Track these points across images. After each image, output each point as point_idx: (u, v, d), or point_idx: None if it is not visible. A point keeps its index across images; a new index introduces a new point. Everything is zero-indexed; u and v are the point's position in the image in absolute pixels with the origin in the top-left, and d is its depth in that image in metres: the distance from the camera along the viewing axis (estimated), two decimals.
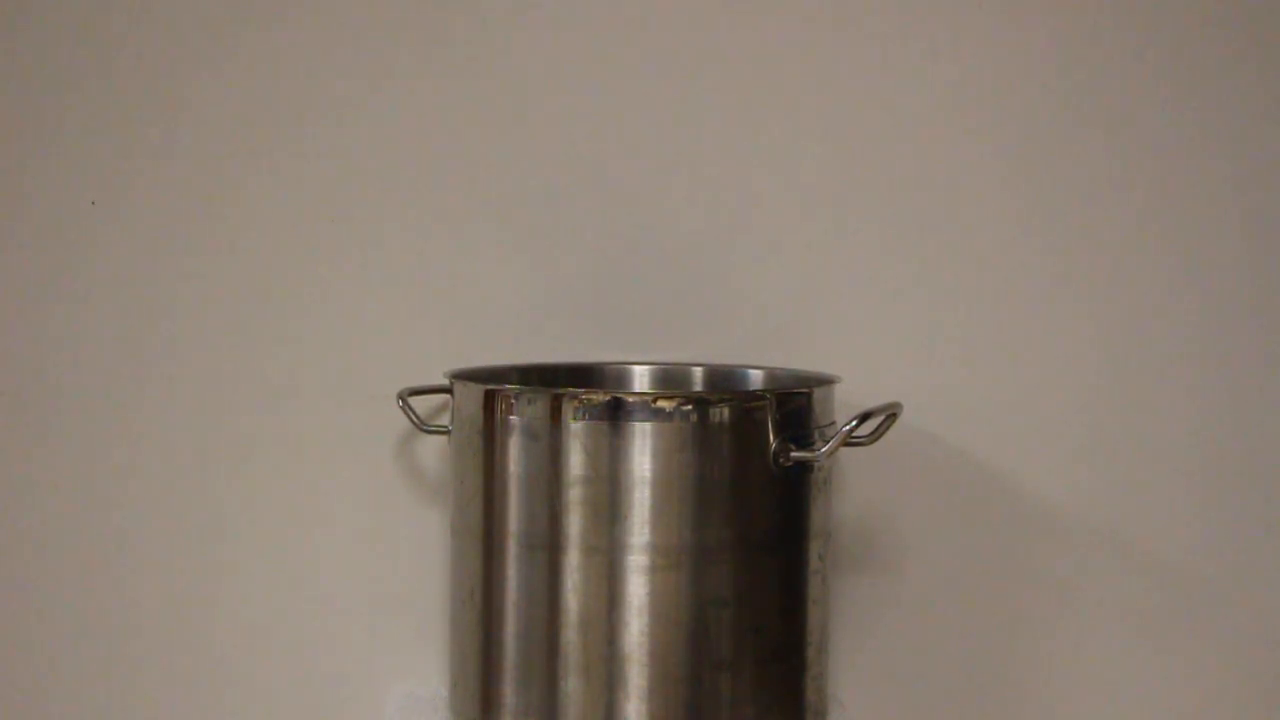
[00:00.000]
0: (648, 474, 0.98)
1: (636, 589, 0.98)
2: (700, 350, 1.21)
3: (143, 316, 1.21)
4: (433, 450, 1.22)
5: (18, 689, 1.22)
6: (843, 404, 1.07)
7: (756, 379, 1.18)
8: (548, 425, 1.00)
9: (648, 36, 1.22)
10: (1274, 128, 1.25)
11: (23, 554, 1.21)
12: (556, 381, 1.16)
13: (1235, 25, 1.24)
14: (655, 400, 0.99)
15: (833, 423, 1.06)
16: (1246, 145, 1.25)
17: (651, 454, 0.98)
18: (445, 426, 1.11)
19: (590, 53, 1.22)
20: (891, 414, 1.02)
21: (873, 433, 1.03)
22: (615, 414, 0.98)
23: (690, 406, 0.99)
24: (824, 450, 1.00)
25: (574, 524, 0.99)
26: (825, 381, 1.08)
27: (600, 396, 1.00)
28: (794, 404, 1.02)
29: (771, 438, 1.00)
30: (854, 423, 0.99)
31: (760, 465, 1.00)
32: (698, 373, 1.20)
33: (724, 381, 1.19)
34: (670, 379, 1.20)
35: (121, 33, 1.19)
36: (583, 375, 1.18)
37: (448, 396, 1.10)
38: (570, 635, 0.99)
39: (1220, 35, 1.24)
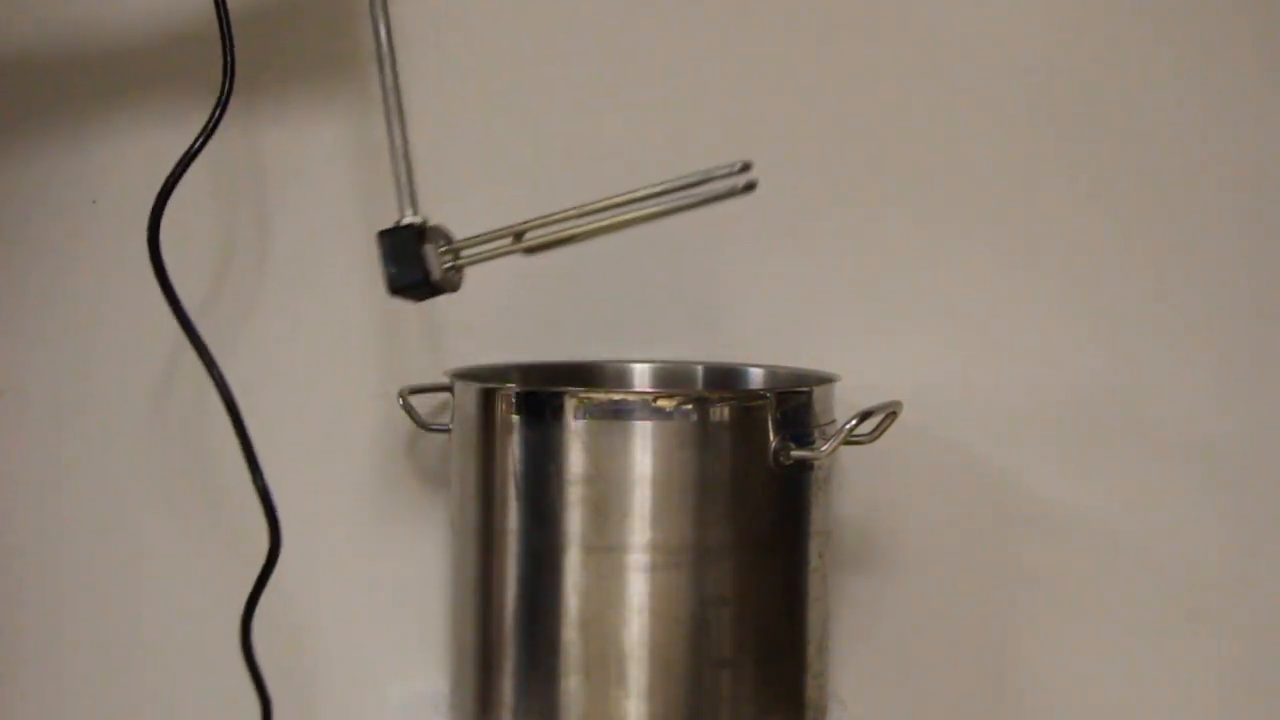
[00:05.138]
0: (648, 473, 0.98)
1: (637, 588, 0.99)
2: (700, 349, 1.22)
3: (143, 315, 1.21)
4: (434, 449, 1.22)
5: (19, 681, 1.22)
6: (842, 403, 1.07)
7: (756, 378, 1.18)
8: (548, 424, 1.00)
9: (646, 32, 1.22)
10: (1275, 127, 1.25)
11: (24, 548, 1.21)
12: (557, 380, 1.16)
13: (1240, 30, 1.25)
14: (656, 399, 0.99)
15: (833, 421, 1.06)
16: (1250, 142, 1.25)
17: (652, 453, 0.98)
18: (446, 425, 1.12)
19: (589, 48, 1.22)
20: (891, 413, 1.03)
21: (873, 431, 1.04)
22: (616, 413, 0.99)
23: (691, 405, 0.99)
24: (824, 449, 1.00)
25: (574, 523, 0.99)
26: (825, 380, 1.08)
27: (601, 395, 1.00)
28: (794, 402, 1.02)
29: (772, 436, 1.00)
30: (854, 421, 0.99)
31: (760, 464, 1.00)
32: (698, 371, 1.20)
33: (724, 380, 1.19)
34: (670, 377, 1.20)
35: (123, 32, 1.19)
36: (583, 374, 1.19)
37: (449, 395, 1.10)
38: (571, 634, 1.00)
39: (1223, 39, 1.25)
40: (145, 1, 1.18)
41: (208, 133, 1.04)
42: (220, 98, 1.04)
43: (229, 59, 1.04)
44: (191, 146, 1.04)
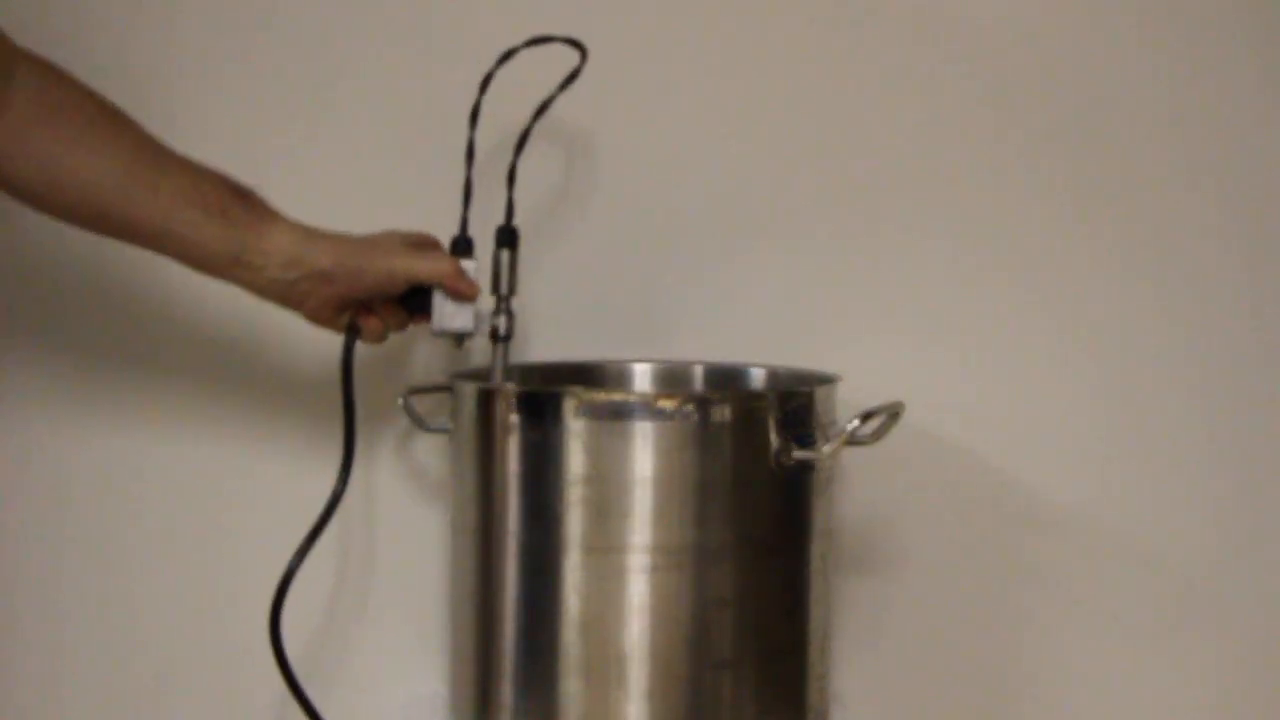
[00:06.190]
0: (649, 473, 0.98)
1: (638, 589, 0.98)
2: (701, 349, 1.21)
3: (144, 314, 1.21)
4: (434, 449, 1.22)
5: (26, 682, 1.22)
6: (843, 403, 1.07)
7: (758, 378, 1.18)
8: (548, 424, 1.00)
9: (650, 34, 1.22)
10: (1273, 133, 1.25)
11: (25, 546, 1.21)
12: (557, 380, 1.16)
13: (1237, 40, 1.25)
14: (657, 400, 0.99)
15: (834, 422, 1.06)
16: (1246, 149, 1.25)
17: (653, 453, 0.98)
18: (446, 425, 1.11)
19: (593, 51, 1.22)
20: (893, 413, 1.02)
21: (874, 432, 1.03)
22: (616, 413, 0.98)
23: (692, 406, 0.98)
24: (826, 450, 1.00)
25: (575, 524, 0.99)
26: (827, 381, 1.08)
27: (601, 396, 0.99)
28: (796, 403, 1.02)
29: (773, 437, 1.00)
30: (856, 422, 0.99)
31: (762, 465, 1.00)
32: (699, 371, 1.20)
33: (725, 380, 1.19)
34: (671, 378, 1.20)
35: (125, 27, 1.19)
36: (583, 374, 1.18)
37: (449, 395, 1.10)
38: (571, 635, 0.99)
39: (1220, 48, 1.25)
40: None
41: (319, 528, 1.06)
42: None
43: (348, 456, 1.06)
44: (303, 546, 1.07)
